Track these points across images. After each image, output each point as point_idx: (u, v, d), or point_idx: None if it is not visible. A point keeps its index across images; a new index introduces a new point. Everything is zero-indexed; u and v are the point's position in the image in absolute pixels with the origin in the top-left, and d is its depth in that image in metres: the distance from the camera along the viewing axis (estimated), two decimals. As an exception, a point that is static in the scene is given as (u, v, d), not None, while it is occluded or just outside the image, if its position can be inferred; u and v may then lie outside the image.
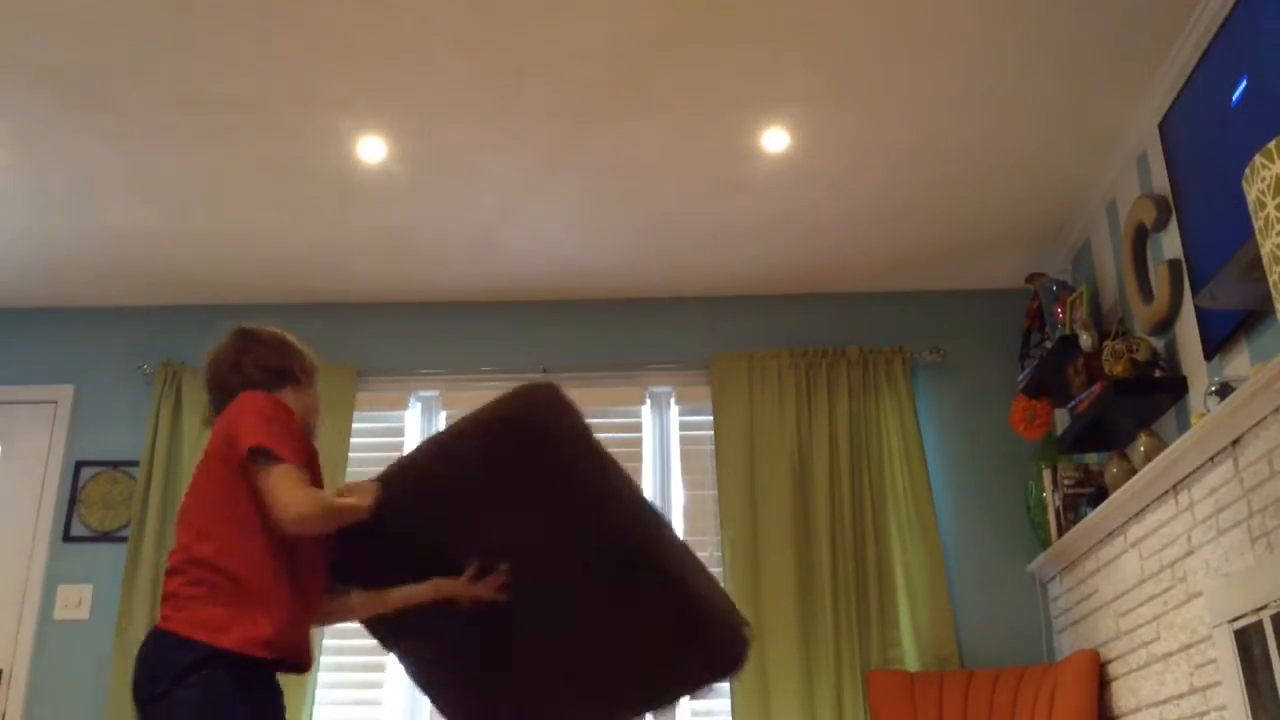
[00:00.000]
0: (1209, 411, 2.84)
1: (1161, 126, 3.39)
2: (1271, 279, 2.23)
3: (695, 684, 2.39)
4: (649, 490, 4.57)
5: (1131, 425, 3.62)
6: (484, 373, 4.71)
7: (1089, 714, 3.54)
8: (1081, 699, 3.56)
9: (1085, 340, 3.81)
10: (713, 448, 4.51)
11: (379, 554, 2.34)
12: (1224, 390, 2.84)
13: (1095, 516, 3.57)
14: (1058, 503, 3.98)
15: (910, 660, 4.16)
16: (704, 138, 3.74)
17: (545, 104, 3.56)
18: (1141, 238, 3.68)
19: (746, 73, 3.42)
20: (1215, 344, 3.15)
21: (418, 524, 2.30)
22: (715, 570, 4.39)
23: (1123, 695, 3.51)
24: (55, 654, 4.30)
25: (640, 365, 4.70)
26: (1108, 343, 3.61)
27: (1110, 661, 3.60)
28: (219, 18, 3.16)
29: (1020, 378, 4.34)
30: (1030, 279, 4.33)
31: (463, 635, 2.39)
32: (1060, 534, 3.95)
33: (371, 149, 3.76)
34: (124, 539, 4.40)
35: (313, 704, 4.15)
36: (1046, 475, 4.08)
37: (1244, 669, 2.73)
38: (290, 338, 2.48)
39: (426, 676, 2.52)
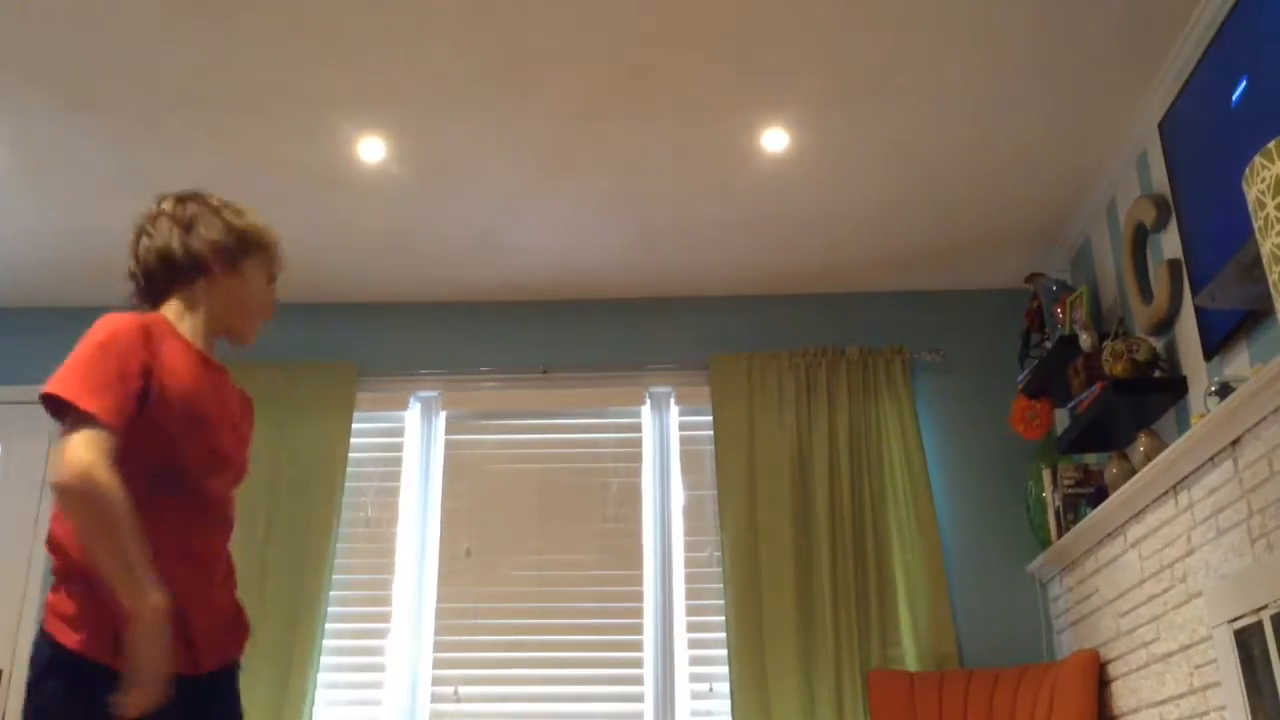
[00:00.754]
0: (1209, 412, 2.84)
1: (1161, 126, 3.39)
2: (1271, 279, 2.23)
3: None
4: (649, 490, 4.57)
5: (1131, 425, 3.62)
6: (484, 373, 4.71)
7: (1089, 714, 3.54)
8: (1081, 699, 3.56)
9: (1085, 340, 3.81)
10: (712, 448, 4.51)
11: None
12: (1224, 390, 2.84)
13: (1095, 516, 3.57)
14: (1057, 503, 3.98)
15: (910, 660, 4.16)
16: (704, 138, 3.74)
17: (545, 104, 3.56)
18: (1141, 238, 3.68)
19: (746, 73, 3.42)
20: (1215, 344, 3.15)
21: None
22: (715, 570, 4.40)
23: (1123, 695, 3.51)
24: (55, 654, 4.30)
25: (640, 365, 4.70)
26: (1107, 343, 3.61)
27: (1110, 662, 3.60)
28: (219, 17, 3.16)
29: (1020, 378, 4.34)
30: (1030, 279, 4.33)
31: None
32: (1060, 534, 3.95)
33: (371, 149, 3.76)
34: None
35: (313, 704, 4.15)
36: (1046, 475, 4.07)
37: (1244, 669, 2.72)
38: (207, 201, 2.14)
39: None
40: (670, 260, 4.53)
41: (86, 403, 1.76)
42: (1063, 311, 4.03)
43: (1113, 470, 3.54)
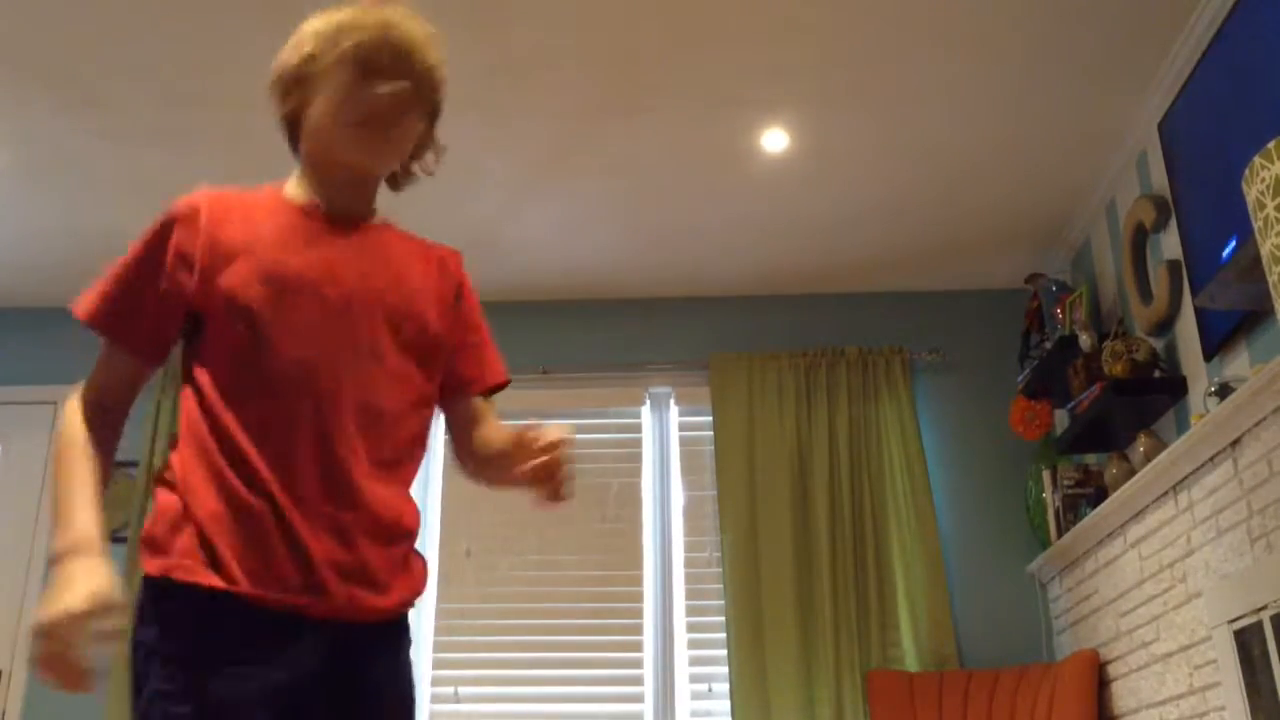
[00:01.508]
0: (1208, 412, 2.84)
1: (1161, 127, 3.39)
2: (1271, 279, 2.23)
3: None
4: (649, 491, 4.57)
5: (1131, 426, 3.62)
6: (484, 373, 4.70)
7: (1089, 714, 3.54)
8: (1081, 699, 3.56)
9: (1085, 341, 3.81)
10: (712, 448, 4.51)
11: None
12: (1223, 391, 2.84)
13: (1095, 517, 3.57)
14: (1057, 503, 3.98)
15: (910, 660, 4.16)
16: (704, 138, 3.74)
17: (545, 104, 3.56)
18: (1141, 238, 3.68)
19: (746, 73, 3.42)
20: (1215, 344, 3.15)
21: None
22: (715, 571, 4.40)
23: (1122, 696, 3.51)
24: (55, 654, 4.30)
25: (640, 365, 4.70)
26: (1107, 343, 3.61)
27: (1110, 662, 3.60)
28: (219, 17, 3.16)
29: (1020, 378, 4.34)
30: (1030, 279, 4.33)
31: None
32: (1060, 534, 3.94)
33: (371, 149, 3.76)
34: (124, 539, 4.39)
35: (312, 704, 4.15)
36: (1046, 476, 4.07)
37: (1244, 670, 2.72)
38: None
39: None
40: (670, 260, 4.53)
41: (78, 309, 1.63)
42: (1062, 312, 4.03)
43: (1112, 470, 3.54)
